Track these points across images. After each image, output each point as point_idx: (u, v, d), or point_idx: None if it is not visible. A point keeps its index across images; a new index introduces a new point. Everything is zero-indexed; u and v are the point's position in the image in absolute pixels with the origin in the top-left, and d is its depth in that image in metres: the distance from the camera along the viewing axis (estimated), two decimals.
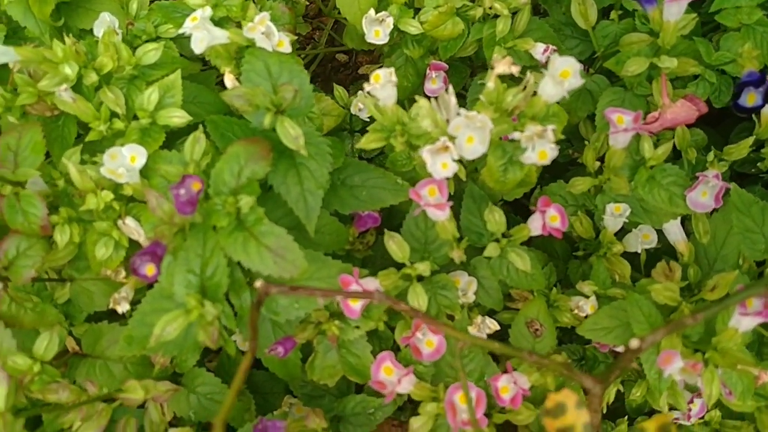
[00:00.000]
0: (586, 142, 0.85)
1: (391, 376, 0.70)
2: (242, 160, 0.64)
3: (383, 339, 0.85)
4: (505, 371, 0.75)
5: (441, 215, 0.68)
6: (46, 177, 0.76)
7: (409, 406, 0.96)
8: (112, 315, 0.83)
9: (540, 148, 0.62)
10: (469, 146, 0.63)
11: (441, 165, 0.63)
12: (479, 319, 0.82)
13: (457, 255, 0.72)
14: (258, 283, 0.50)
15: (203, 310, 0.61)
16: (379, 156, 1.11)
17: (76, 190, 0.76)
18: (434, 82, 0.93)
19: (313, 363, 0.81)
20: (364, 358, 0.80)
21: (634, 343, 0.50)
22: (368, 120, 1.00)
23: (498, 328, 0.82)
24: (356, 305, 0.67)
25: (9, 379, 0.52)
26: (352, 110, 0.98)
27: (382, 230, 0.90)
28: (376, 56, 1.42)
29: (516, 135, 0.61)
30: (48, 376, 0.68)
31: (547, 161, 0.63)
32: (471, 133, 0.63)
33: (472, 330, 0.81)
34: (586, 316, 0.85)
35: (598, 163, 0.85)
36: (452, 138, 0.64)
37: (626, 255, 0.91)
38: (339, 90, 1.02)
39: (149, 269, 0.59)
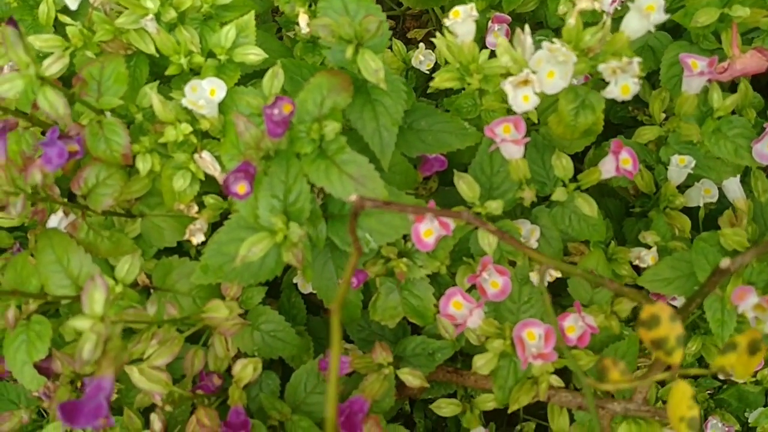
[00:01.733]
0: (655, 91, 0.85)
1: (461, 310, 0.71)
2: (324, 90, 0.66)
3: (442, 285, 0.86)
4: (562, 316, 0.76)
5: (516, 151, 0.68)
6: (122, 111, 0.78)
7: (460, 358, 0.97)
8: (179, 253, 0.85)
9: (623, 83, 0.63)
10: (549, 81, 0.64)
11: (522, 98, 0.64)
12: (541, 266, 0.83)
13: (528, 195, 0.73)
14: (353, 197, 0.51)
15: (289, 232, 0.62)
16: None
17: (152, 126, 0.77)
18: (496, 36, 0.94)
19: (375, 304, 0.83)
20: (426, 300, 0.81)
21: (725, 262, 0.50)
22: (427, 73, 1.01)
23: (559, 275, 0.83)
24: (430, 238, 0.68)
25: (106, 285, 0.54)
26: (413, 63, 0.99)
27: (445, 178, 0.92)
28: (424, 21, 1.43)
29: (601, 67, 0.62)
30: (127, 300, 0.70)
31: (629, 96, 0.63)
32: (552, 68, 0.64)
33: (534, 276, 0.82)
34: (645, 268, 0.85)
35: (663, 115, 0.85)
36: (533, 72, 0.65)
37: (683, 212, 0.91)
38: (398, 45, 1.03)
39: (241, 187, 0.60)
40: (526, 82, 0.64)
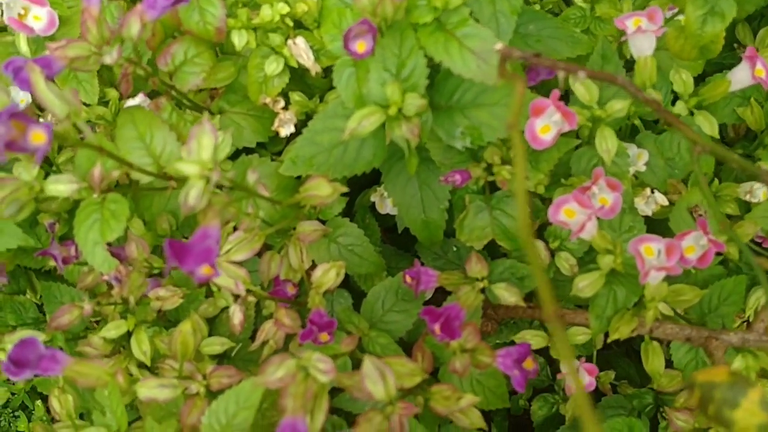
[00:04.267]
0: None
1: (574, 218, 0.65)
2: None
3: (535, 210, 0.81)
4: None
5: (648, 47, 0.63)
6: None
7: (535, 300, 0.91)
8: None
9: None
10: None
11: None
12: (647, 191, 0.77)
13: (656, 98, 0.67)
14: (499, 45, 0.46)
15: (404, 104, 0.57)
16: None
17: (241, 8, 0.72)
18: None
19: (462, 223, 0.77)
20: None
21: None
22: None
23: (666, 203, 0.77)
24: (547, 135, 0.63)
25: (215, 131, 0.49)
26: None
27: (545, 92, 0.86)
28: None
29: None
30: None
31: None
32: None
33: (638, 202, 0.76)
34: (756, 204, 0.79)
35: None
36: None
37: None
38: None
39: (361, 45, 0.54)
40: None
